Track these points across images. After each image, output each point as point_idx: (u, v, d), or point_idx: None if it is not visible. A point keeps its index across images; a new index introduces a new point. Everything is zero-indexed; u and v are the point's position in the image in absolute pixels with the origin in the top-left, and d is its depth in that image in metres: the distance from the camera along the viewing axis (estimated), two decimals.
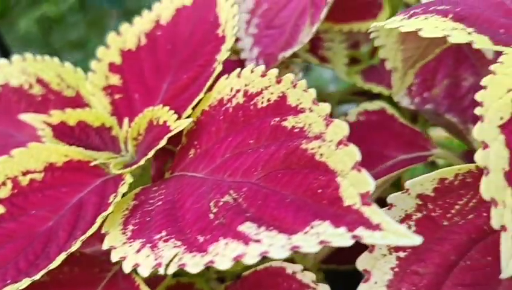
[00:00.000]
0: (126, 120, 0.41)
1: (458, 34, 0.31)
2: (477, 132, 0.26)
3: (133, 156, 0.40)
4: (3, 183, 0.37)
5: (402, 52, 0.42)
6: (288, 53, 0.46)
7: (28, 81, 0.46)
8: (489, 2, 0.34)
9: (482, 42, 0.30)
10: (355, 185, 0.26)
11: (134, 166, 0.36)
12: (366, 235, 0.25)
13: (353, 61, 0.58)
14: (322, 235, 0.25)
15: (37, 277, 0.31)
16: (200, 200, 0.31)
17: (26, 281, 0.31)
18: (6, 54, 0.79)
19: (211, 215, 0.29)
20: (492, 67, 0.29)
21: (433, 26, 0.32)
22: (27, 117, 0.41)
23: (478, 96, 0.28)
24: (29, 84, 0.46)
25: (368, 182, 0.26)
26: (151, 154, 0.36)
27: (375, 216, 0.25)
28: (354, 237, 0.25)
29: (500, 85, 0.28)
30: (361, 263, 0.32)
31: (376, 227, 0.25)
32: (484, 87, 0.28)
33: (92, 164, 0.38)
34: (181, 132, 0.38)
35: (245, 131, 0.33)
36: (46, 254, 0.33)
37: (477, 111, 0.27)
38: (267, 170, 0.30)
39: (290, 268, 0.35)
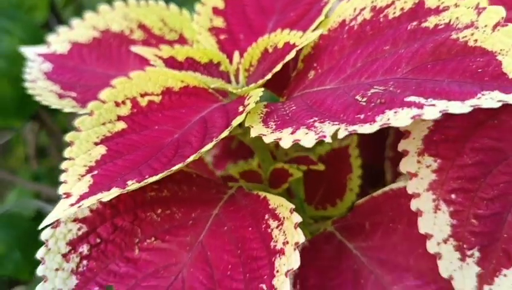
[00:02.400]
0: (237, 53, 0.42)
1: None
2: None
3: (243, 87, 0.41)
4: (123, 102, 0.37)
5: None
6: None
7: (129, 27, 0.47)
8: None
9: None
10: None
11: (260, 81, 0.36)
12: None
13: None
14: (496, 98, 0.26)
15: (175, 168, 0.31)
16: (340, 97, 0.32)
17: (165, 173, 0.31)
18: None
19: (362, 103, 0.30)
20: None
21: None
22: (139, 50, 0.41)
23: None
24: (130, 29, 0.47)
25: None
26: (278, 68, 0.36)
27: None
28: None
29: None
30: None
31: None
32: None
33: (212, 86, 0.39)
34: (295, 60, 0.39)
35: (376, 41, 0.34)
36: (179, 156, 0.33)
37: None
38: (413, 65, 0.30)
39: None
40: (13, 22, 0.71)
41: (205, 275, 0.32)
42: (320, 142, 0.42)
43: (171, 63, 0.41)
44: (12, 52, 0.71)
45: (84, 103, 0.43)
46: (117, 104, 0.37)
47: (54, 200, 1.00)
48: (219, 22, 0.45)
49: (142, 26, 0.47)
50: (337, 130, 0.27)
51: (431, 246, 0.32)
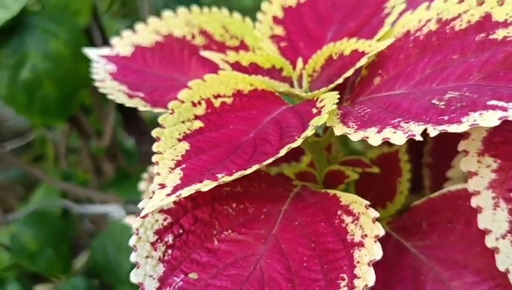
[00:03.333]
0: (300, 60, 0.44)
1: None
2: None
3: (306, 91, 0.43)
4: (199, 103, 0.39)
5: None
6: None
7: (191, 32, 0.49)
8: None
9: None
10: None
11: (331, 85, 0.39)
12: None
13: None
14: None
15: (265, 163, 0.33)
16: (416, 101, 0.34)
17: (254, 167, 0.33)
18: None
19: (441, 106, 0.32)
20: None
21: None
22: (208, 54, 0.44)
23: None
24: (192, 35, 0.49)
25: None
26: (349, 73, 0.38)
27: None
28: None
29: None
30: None
31: None
32: None
33: (281, 89, 0.41)
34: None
35: (444, 51, 0.36)
36: (260, 153, 0.35)
37: None
38: (485, 73, 0.33)
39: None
40: (59, 25, 0.73)
41: (282, 266, 0.34)
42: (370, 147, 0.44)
43: (237, 67, 0.43)
44: (57, 54, 0.73)
45: (152, 103, 0.45)
46: (194, 104, 0.39)
47: (80, 200, 1.02)
48: (279, 31, 0.47)
49: (203, 32, 0.49)
50: (425, 130, 0.30)
51: (489, 241, 0.34)
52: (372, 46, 0.39)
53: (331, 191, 0.37)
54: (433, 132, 0.29)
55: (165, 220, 0.35)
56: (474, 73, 0.33)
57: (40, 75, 0.72)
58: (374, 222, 0.33)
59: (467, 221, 0.38)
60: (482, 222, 0.34)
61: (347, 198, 0.36)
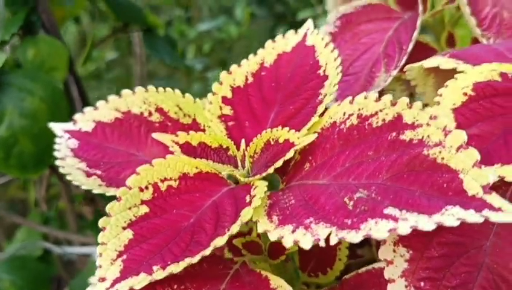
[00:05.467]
0: (243, 141, 0.48)
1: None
2: None
3: (248, 172, 0.47)
4: (146, 188, 0.43)
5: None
6: None
7: (148, 109, 0.53)
8: None
9: None
10: (476, 179, 0.33)
11: (264, 173, 0.43)
12: (491, 215, 0.31)
13: None
14: (457, 215, 0.32)
15: (196, 259, 0.37)
16: (332, 197, 0.38)
17: (186, 261, 0.37)
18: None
19: (350, 207, 0.36)
20: None
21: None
22: (159, 136, 0.48)
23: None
24: (148, 112, 0.53)
25: (487, 176, 0.33)
26: (279, 164, 0.42)
27: (496, 201, 0.32)
28: (482, 216, 0.31)
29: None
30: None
31: (498, 209, 0.32)
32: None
33: (224, 173, 0.45)
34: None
35: (362, 145, 0.40)
36: (195, 243, 0.39)
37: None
38: (392, 173, 0.37)
39: None
40: (35, 83, 0.77)
41: None
42: None
43: (186, 147, 0.47)
44: (33, 111, 0.77)
45: (108, 181, 0.49)
46: (141, 190, 0.43)
47: (60, 243, 1.05)
48: (227, 110, 0.51)
49: (159, 110, 0.53)
50: (329, 235, 0.33)
51: None
52: (300, 139, 0.43)
53: (264, 273, 0.41)
54: (334, 239, 0.33)
55: None
56: (383, 172, 0.37)
57: (16, 132, 0.76)
58: None
59: None
60: None
61: (276, 282, 0.39)
